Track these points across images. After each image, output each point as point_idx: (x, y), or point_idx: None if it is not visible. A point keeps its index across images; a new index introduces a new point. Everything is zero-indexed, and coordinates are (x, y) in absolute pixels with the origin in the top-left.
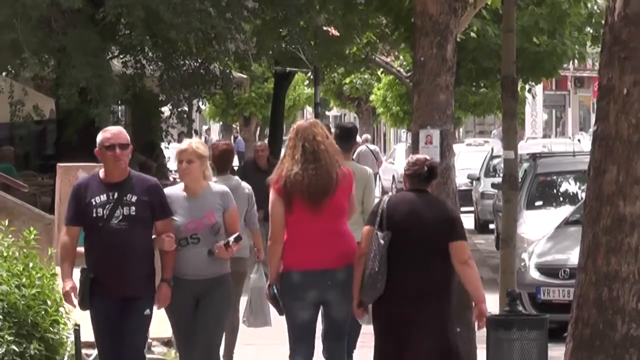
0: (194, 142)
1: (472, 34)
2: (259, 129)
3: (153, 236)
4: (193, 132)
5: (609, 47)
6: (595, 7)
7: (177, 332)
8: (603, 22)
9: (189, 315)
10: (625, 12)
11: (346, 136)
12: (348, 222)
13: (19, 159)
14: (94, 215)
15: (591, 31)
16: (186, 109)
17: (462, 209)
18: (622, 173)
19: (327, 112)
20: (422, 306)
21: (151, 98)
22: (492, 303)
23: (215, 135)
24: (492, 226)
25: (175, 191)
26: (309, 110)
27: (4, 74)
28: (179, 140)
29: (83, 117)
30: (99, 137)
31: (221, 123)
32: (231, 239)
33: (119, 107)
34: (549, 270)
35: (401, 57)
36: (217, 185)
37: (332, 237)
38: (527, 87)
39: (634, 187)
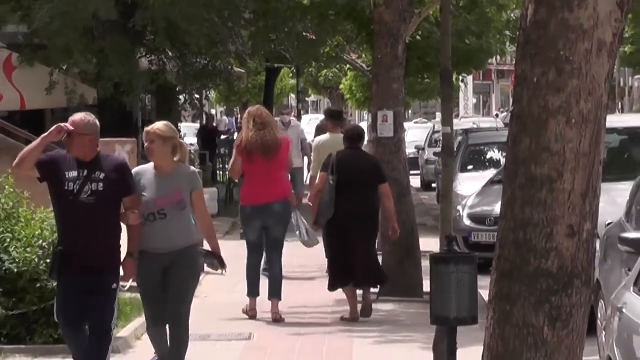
0: (158, 124)
1: (418, 37)
2: None
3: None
4: (204, 114)
5: (523, 46)
6: (513, 15)
7: (144, 299)
8: (519, 26)
9: (157, 285)
10: (535, 19)
11: (337, 117)
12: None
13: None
14: (66, 188)
15: (510, 34)
16: (198, 96)
17: (411, 172)
18: (533, 143)
19: (307, 99)
20: (359, 224)
21: (171, 88)
22: (435, 245)
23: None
24: (434, 185)
25: (146, 168)
26: (292, 97)
27: (57, 70)
28: (206, 121)
29: (118, 103)
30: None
31: (225, 107)
32: (219, 270)
33: (146, 96)
34: (478, 218)
35: (364, 55)
36: (187, 167)
37: (274, 182)
38: (461, 77)
39: (542, 154)
